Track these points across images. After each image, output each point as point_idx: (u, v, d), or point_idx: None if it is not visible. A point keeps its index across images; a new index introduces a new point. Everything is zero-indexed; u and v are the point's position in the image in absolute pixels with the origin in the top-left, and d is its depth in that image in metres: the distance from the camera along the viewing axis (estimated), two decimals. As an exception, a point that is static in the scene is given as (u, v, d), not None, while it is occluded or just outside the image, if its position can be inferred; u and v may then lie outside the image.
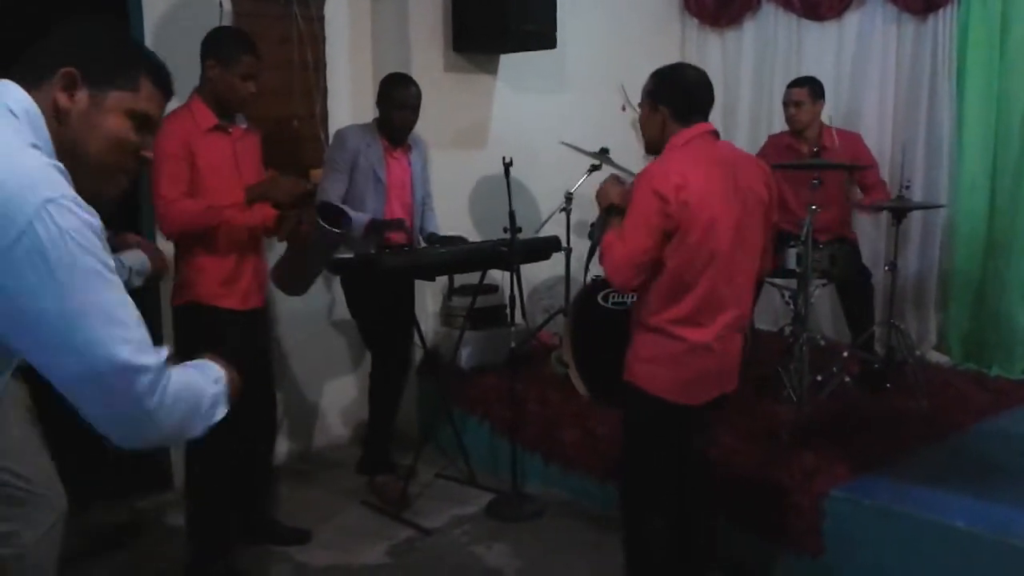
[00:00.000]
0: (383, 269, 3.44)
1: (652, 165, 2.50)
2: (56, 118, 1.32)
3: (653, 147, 2.61)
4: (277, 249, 3.40)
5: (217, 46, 3.00)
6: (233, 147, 3.07)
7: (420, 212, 3.91)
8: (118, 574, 3.19)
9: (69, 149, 1.33)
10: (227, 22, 3.77)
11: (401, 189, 3.80)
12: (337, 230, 3.13)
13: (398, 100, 3.69)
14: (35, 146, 1.25)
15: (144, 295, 3.75)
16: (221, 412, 1.49)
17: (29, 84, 1.31)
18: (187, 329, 3.08)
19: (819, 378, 3.73)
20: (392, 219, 3.68)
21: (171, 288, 3.11)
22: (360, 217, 3.57)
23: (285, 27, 4.06)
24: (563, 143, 4.31)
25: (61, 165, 1.25)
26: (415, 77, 3.81)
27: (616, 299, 3.91)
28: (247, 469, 3.31)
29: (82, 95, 1.33)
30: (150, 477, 3.93)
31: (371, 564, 3.30)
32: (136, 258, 2.38)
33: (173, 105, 3.31)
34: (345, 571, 3.25)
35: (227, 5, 3.84)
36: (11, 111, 1.27)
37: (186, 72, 3.14)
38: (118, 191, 1.45)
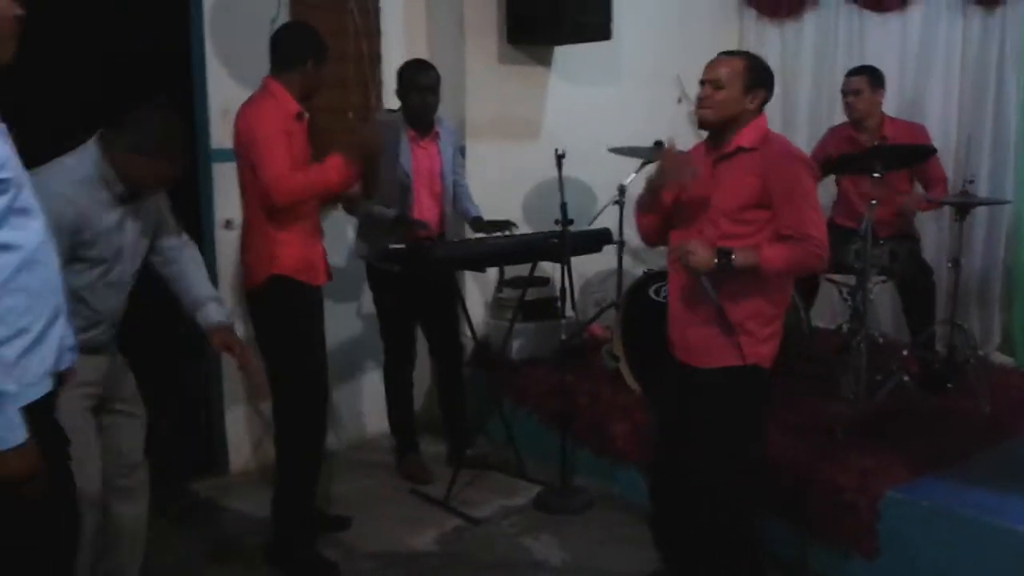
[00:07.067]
0: (434, 260, 3.45)
1: (788, 144, 2.61)
2: None
3: (718, 124, 2.58)
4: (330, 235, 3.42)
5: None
6: (306, 133, 3.13)
7: (451, 198, 3.90)
8: (176, 557, 3.25)
9: None
10: (284, 13, 3.82)
11: (429, 179, 3.80)
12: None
13: (414, 83, 3.68)
14: None
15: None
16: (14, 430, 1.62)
17: None
18: (274, 304, 3.04)
19: (878, 377, 3.65)
20: (417, 220, 3.67)
21: (244, 268, 3.14)
22: (386, 212, 3.64)
23: (341, 19, 4.09)
24: (611, 150, 4.29)
25: None
26: (469, 69, 3.78)
27: (667, 293, 3.86)
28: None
29: None
30: (206, 461, 4.01)
31: (419, 551, 3.33)
32: None
33: (234, 91, 3.41)
34: (393, 556, 3.29)
35: (285, -4, 3.89)
36: None
37: (245, 60, 3.20)
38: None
